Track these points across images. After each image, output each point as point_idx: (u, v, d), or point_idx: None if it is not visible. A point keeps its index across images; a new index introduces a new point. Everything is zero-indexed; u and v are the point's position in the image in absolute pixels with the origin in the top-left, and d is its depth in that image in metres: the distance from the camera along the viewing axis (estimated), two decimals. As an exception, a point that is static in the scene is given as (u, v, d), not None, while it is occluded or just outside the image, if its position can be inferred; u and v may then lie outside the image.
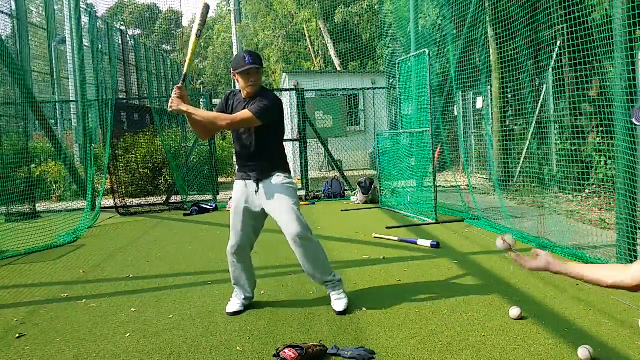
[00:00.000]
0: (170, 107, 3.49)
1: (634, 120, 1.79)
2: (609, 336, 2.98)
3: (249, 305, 3.74)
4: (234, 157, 3.94)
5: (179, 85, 3.51)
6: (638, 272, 1.80)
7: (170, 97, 3.53)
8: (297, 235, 3.49)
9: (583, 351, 2.70)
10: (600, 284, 1.92)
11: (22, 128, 8.27)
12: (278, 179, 3.59)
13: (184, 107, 3.47)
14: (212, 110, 3.76)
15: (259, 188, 3.58)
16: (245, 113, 3.44)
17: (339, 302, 3.58)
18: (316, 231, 6.37)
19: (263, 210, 3.61)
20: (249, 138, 3.58)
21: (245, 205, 3.60)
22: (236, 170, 3.75)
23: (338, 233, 6.42)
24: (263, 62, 3.59)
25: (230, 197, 9.42)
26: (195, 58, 3.71)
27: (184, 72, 3.64)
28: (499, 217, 6.64)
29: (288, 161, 3.76)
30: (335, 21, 20.65)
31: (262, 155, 3.58)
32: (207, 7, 3.60)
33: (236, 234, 3.61)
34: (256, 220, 3.66)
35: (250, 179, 3.61)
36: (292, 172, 4.11)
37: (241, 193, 3.63)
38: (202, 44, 45.65)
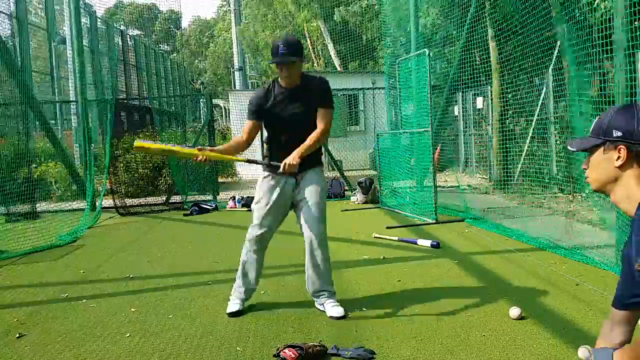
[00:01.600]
0: (287, 169, 3.35)
1: (569, 147, 1.85)
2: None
3: (249, 305, 3.73)
4: (266, 149, 3.80)
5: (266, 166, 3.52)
6: (618, 331, 1.68)
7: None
8: (318, 236, 3.50)
9: (583, 351, 2.70)
10: None
11: (22, 128, 8.27)
12: (316, 173, 3.58)
13: (297, 159, 3.35)
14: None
15: (299, 180, 3.55)
16: (327, 114, 3.52)
17: (336, 309, 3.51)
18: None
19: (292, 203, 3.60)
20: (294, 128, 3.50)
21: (280, 197, 3.54)
22: (267, 162, 3.56)
23: (338, 233, 6.41)
24: (301, 50, 3.47)
25: (232, 197, 9.47)
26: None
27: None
28: (499, 217, 6.64)
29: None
30: (335, 20, 20.65)
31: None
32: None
33: (262, 224, 3.56)
34: (285, 212, 3.65)
35: (290, 176, 3.54)
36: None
37: (280, 188, 3.54)
38: (204, 40, 45.66)
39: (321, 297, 3.61)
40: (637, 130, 1.65)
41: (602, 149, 1.72)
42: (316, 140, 3.49)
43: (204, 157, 3.42)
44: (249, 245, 3.65)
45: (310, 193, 3.53)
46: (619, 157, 1.67)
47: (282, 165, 3.36)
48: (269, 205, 3.55)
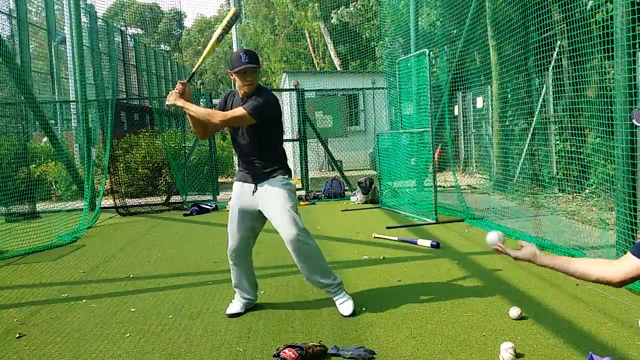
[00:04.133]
0: (167, 100, 3.48)
1: (634, 121, 1.76)
2: (609, 336, 2.98)
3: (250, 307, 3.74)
4: (235, 158, 3.92)
5: (183, 81, 3.48)
6: (622, 269, 1.82)
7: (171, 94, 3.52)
8: (293, 238, 3.47)
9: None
10: (586, 278, 1.93)
11: (22, 128, 8.27)
12: (276, 181, 3.55)
13: (180, 102, 3.46)
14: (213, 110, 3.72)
15: (256, 190, 3.56)
16: (239, 110, 3.41)
17: (344, 306, 3.54)
18: (316, 231, 6.37)
19: (260, 212, 3.59)
20: (247, 139, 3.54)
21: (243, 207, 3.58)
22: (236, 171, 3.75)
23: (338, 233, 6.41)
24: (260, 61, 3.54)
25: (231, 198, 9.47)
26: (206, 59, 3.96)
27: (193, 70, 3.63)
28: (499, 217, 6.64)
29: (288, 161, 3.75)
30: (333, 23, 20.70)
31: (261, 156, 3.55)
32: (236, 16, 3.62)
33: (233, 235, 3.59)
34: (254, 222, 3.62)
35: (248, 181, 3.59)
36: (292, 172, 4.08)
37: (239, 194, 3.61)
38: (203, 41, 45.71)
39: (330, 293, 3.63)
40: None
41: None
42: (206, 112, 3.50)
43: (176, 96, 3.46)
44: (229, 257, 3.67)
45: (271, 201, 3.52)
46: None
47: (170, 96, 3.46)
48: (235, 214, 3.59)
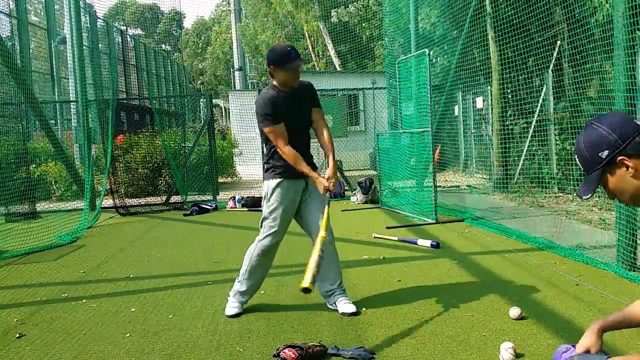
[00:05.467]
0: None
1: (583, 196, 1.81)
2: (609, 336, 2.97)
3: (249, 305, 3.73)
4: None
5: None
6: None
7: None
8: (331, 231, 3.61)
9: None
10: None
11: (22, 128, 8.27)
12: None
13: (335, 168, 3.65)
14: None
15: (307, 183, 3.63)
16: (323, 113, 3.70)
17: (349, 305, 3.55)
18: (316, 231, 6.36)
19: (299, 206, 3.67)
20: (304, 130, 3.64)
21: (291, 203, 3.61)
22: (278, 169, 3.57)
23: (338, 233, 6.36)
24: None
25: (232, 197, 9.47)
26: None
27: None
28: (499, 217, 6.64)
29: None
30: (332, 21, 20.72)
31: (308, 148, 3.71)
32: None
33: (280, 232, 3.60)
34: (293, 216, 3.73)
35: (301, 177, 3.60)
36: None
37: (294, 191, 3.59)
38: (201, 44, 45.76)
39: (335, 294, 3.62)
40: (615, 137, 1.67)
41: (607, 175, 1.72)
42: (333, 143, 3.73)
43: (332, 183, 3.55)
44: (261, 253, 3.61)
45: (317, 192, 3.64)
46: (628, 167, 1.67)
47: (328, 186, 3.50)
48: (287, 212, 3.59)
